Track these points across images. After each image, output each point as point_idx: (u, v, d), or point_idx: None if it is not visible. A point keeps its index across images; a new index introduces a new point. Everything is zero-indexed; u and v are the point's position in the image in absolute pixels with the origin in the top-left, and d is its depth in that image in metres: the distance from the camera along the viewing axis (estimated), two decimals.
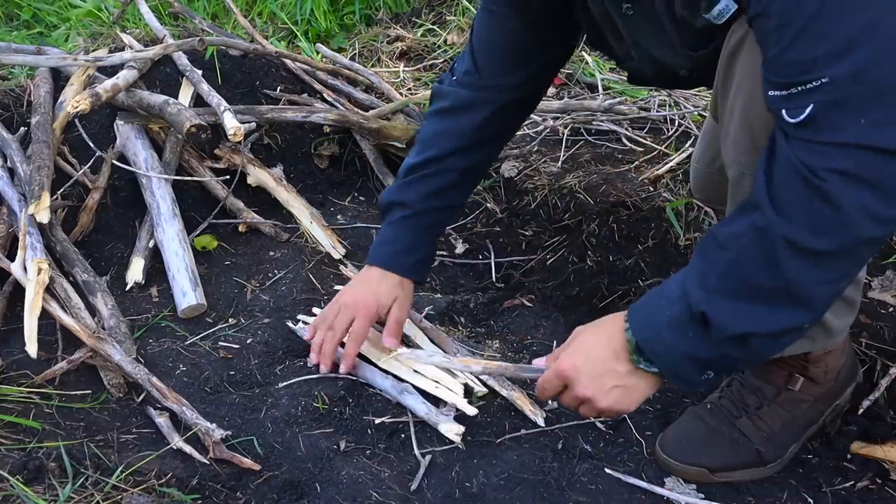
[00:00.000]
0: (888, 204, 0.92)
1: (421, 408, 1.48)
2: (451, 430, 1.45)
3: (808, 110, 0.92)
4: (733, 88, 1.13)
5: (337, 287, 1.88)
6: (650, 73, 1.33)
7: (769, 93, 0.97)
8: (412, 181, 1.58)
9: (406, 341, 1.66)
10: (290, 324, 1.74)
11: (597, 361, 1.15)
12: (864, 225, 0.94)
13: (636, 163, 2.13)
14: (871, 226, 0.94)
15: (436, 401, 1.52)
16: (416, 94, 2.41)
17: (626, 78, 1.64)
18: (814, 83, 0.91)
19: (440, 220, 1.65)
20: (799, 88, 0.92)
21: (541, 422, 1.49)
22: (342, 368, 1.56)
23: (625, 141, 2.27)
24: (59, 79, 2.14)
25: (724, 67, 1.14)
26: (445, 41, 2.71)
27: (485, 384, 1.56)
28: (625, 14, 1.21)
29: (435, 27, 2.80)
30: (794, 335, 1.06)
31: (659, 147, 2.20)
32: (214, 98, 1.99)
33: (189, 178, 2.03)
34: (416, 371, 1.57)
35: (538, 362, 1.28)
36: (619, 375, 1.15)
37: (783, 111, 0.95)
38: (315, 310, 1.76)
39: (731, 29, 1.11)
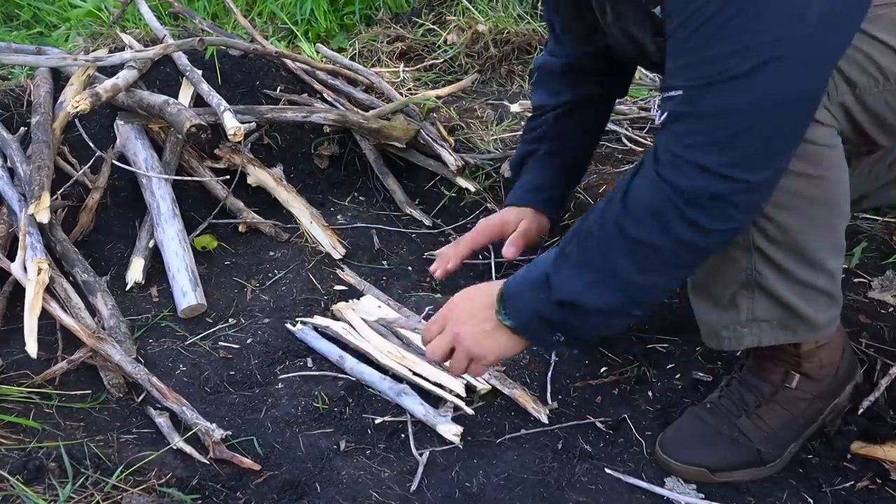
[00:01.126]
0: (698, 215, 1.03)
1: (419, 409, 1.48)
2: (450, 431, 1.45)
3: (664, 116, 1.04)
4: None
5: (337, 287, 1.89)
6: (624, 51, 1.35)
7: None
8: (534, 128, 1.64)
9: (403, 340, 1.67)
10: (289, 325, 1.74)
11: (471, 310, 1.25)
12: (676, 227, 1.05)
13: (636, 163, 2.13)
14: (694, 236, 1.05)
15: (436, 400, 1.52)
16: (416, 94, 2.41)
17: None
18: (671, 93, 1.03)
19: (572, 162, 1.67)
20: (665, 95, 1.05)
21: (544, 418, 1.49)
22: (435, 268, 1.56)
23: (625, 141, 2.27)
24: (59, 79, 2.14)
25: None
26: (445, 41, 2.71)
27: (487, 382, 1.57)
28: None
29: (435, 27, 2.80)
30: (621, 318, 1.16)
31: None
32: (214, 98, 1.99)
33: (189, 178, 2.03)
34: (415, 373, 1.57)
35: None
36: (485, 326, 1.23)
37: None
38: (316, 317, 1.76)
39: None
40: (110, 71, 2.09)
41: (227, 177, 2.06)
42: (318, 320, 1.74)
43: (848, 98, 1.13)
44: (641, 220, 1.07)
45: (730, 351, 1.48)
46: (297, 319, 1.76)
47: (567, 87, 1.61)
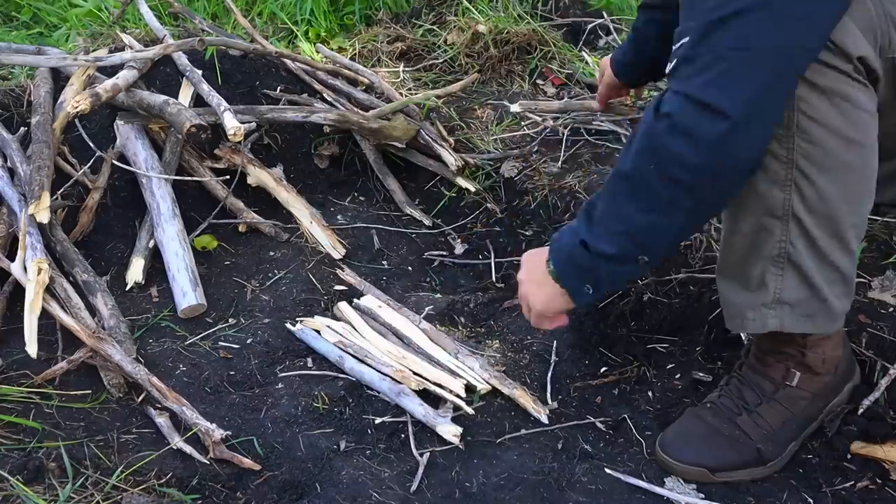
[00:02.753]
0: (695, 153, 1.09)
1: (419, 410, 1.48)
2: (449, 432, 1.44)
3: (673, 63, 1.13)
4: None
5: (337, 287, 1.89)
6: None
7: None
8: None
9: (405, 342, 1.67)
10: (289, 325, 1.74)
11: (532, 263, 1.34)
12: (672, 164, 1.12)
13: None
14: (677, 169, 1.12)
15: (436, 400, 1.52)
16: (416, 94, 2.41)
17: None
18: (680, 42, 1.12)
19: (645, 49, 1.87)
20: (675, 46, 1.13)
21: (544, 419, 1.49)
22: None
23: (624, 141, 2.27)
24: (59, 79, 2.14)
25: None
26: (445, 41, 2.70)
27: (487, 382, 1.56)
28: None
29: (435, 27, 2.79)
30: (631, 266, 1.21)
31: None
32: (214, 98, 1.99)
33: (189, 178, 2.03)
34: (416, 373, 1.57)
35: None
36: (539, 277, 1.31)
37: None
38: (317, 317, 1.76)
39: None
40: (110, 71, 2.09)
41: (227, 177, 2.06)
42: (319, 320, 1.74)
43: None
44: (635, 154, 1.16)
45: (754, 334, 1.45)
46: (296, 319, 1.76)
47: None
